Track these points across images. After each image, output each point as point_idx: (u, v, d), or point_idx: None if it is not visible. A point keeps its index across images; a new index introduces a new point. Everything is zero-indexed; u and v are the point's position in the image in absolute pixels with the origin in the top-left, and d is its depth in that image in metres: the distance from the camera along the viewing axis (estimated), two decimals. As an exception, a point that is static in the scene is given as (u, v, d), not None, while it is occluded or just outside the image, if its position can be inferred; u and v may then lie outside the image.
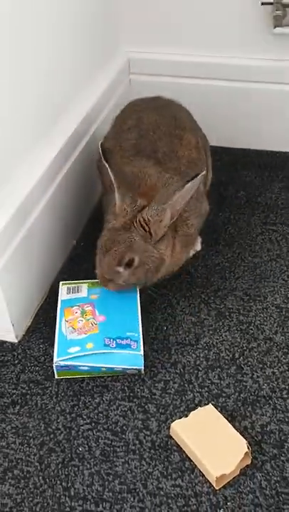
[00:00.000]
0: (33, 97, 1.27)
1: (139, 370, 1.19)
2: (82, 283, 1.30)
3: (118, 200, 1.17)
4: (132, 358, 1.17)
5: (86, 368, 1.17)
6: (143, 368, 1.18)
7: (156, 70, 1.83)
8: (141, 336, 1.19)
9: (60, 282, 1.31)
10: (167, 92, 1.83)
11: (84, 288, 1.29)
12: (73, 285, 1.30)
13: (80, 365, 1.16)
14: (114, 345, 1.17)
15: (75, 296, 1.27)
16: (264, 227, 1.56)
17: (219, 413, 1.08)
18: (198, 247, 1.49)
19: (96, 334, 1.19)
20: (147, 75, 1.85)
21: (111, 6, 1.69)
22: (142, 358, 1.17)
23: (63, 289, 1.30)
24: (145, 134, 1.34)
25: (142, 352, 1.16)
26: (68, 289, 1.29)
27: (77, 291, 1.28)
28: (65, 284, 1.31)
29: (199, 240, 1.48)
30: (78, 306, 1.25)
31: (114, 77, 1.74)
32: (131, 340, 1.18)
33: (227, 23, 1.70)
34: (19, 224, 1.22)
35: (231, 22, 1.70)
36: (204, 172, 1.17)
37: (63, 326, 1.21)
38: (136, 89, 1.87)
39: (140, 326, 1.21)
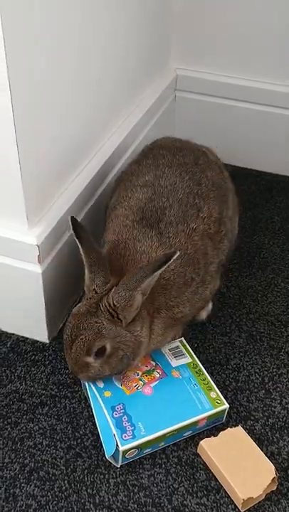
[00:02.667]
0: (84, 107, 1.28)
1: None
2: (189, 356, 1.19)
3: (87, 280, 1.05)
4: (110, 441, 1.03)
5: (90, 401, 1.11)
6: (109, 457, 1.05)
7: (201, 89, 1.85)
8: (145, 440, 1.03)
9: (182, 339, 1.22)
10: (209, 111, 1.86)
11: (181, 361, 1.17)
12: (183, 350, 1.20)
13: (89, 392, 1.10)
14: (116, 416, 1.05)
15: (167, 359, 1.18)
16: (298, 255, 1.57)
17: (248, 436, 1.08)
18: (210, 306, 1.35)
19: (123, 395, 1.09)
20: (192, 93, 1.87)
21: (164, 24, 1.71)
22: (117, 453, 1.02)
23: (173, 344, 1.20)
24: (157, 198, 1.16)
25: (121, 449, 1.01)
26: (176, 348, 1.20)
27: (173, 357, 1.18)
28: (182, 343, 1.21)
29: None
30: (157, 365, 1.16)
31: (162, 92, 1.76)
32: (133, 430, 1.03)
33: (274, 49, 1.72)
34: (61, 231, 1.24)
35: (279, 48, 1.72)
36: (178, 253, 1.00)
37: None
38: (180, 105, 1.89)
39: (159, 434, 1.04)
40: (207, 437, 1.09)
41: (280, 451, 1.10)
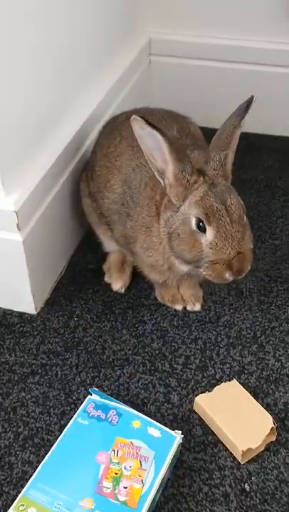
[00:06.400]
0: (55, 72, 1.24)
1: None
2: None
3: (180, 171, 0.99)
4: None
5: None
6: None
7: (176, 52, 1.81)
8: None
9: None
10: (186, 75, 1.82)
11: None
12: None
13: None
14: None
15: None
16: (284, 211, 1.55)
17: (244, 389, 1.07)
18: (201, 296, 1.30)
19: None
20: (167, 57, 1.83)
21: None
22: None
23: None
24: (158, 120, 1.19)
25: None
26: None
27: None
28: None
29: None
30: None
31: (135, 57, 1.72)
32: None
33: (248, 6, 1.68)
34: (41, 196, 1.20)
35: (253, 5, 1.68)
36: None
37: None
38: (155, 70, 1.85)
39: None
40: (202, 393, 1.08)
41: (276, 403, 1.09)
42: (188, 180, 1.00)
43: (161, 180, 1.03)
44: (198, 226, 0.99)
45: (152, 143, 0.98)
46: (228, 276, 0.99)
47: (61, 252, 1.37)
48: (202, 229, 0.98)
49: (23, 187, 1.14)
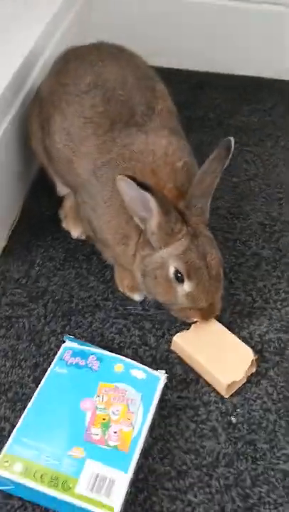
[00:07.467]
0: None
1: None
2: None
3: (165, 222, 0.95)
4: None
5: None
6: None
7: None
8: None
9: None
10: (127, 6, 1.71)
11: None
12: None
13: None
14: None
15: None
16: (239, 149, 1.52)
17: (221, 324, 1.05)
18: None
19: None
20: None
21: None
22: None
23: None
24: (112, 95, 1.07)
25: None
26: None
27: None
28: None
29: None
30: None
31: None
32: None
33: None
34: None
35: None
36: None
37: None
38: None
39: None
40: (178, 332, 1.05)
41: (251, 336, 1.08)
42: (172, 230, 0.97)
43: (140, 225, 0.99)
44: (176, 276, 0.97)
45: (137, 195, 0.93)
46: (196, 319, 1.02)
47: (14, 197, 1.27)
48: (180, 279, 0.97)
49: None
